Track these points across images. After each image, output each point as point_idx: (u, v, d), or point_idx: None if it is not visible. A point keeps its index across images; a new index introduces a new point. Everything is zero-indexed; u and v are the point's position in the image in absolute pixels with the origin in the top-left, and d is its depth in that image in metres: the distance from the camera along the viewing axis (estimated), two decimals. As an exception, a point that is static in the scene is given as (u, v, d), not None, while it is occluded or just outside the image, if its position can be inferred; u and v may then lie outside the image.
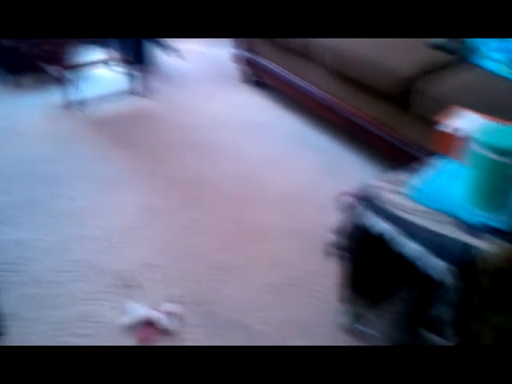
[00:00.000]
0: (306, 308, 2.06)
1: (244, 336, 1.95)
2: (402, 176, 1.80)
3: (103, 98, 3.64)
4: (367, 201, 1.69)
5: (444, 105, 2.27)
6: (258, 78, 3.79)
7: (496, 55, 2.47)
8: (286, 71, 3.33)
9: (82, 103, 3.55)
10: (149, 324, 1.97)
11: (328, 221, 2.39)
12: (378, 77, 2.62)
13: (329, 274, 2.10)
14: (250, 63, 3.68)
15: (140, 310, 2.01)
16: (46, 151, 3.08)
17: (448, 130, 1.81)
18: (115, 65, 3.94)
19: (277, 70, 3.40)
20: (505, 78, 2.42)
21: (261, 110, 3.52)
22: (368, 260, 1.77)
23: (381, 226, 1.61)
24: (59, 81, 3.49)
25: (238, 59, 3.77)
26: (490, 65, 2.49)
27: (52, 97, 3.62)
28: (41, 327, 1.98)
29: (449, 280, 1.43)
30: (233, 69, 3.88)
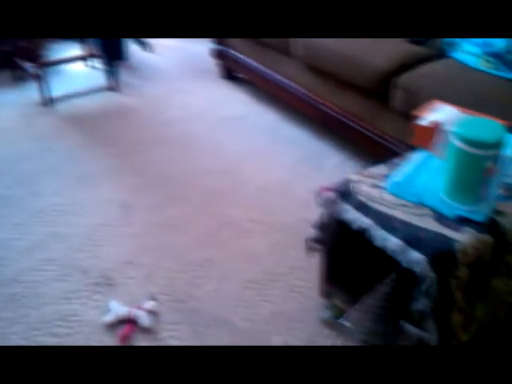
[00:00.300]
0: (289, 303, 2.07)
1: (227, 332, 1.95)
2: (381, 170, 1.81)
3: (80, 95, 3.60)
4: (347, 195, 1.70)
5: (422, 98, 2.29)
6: (237, 73, 3.78)
7: (472, 49, 2.49)
8: (264, 66, 3.33)
9: (59, 100, 3.51)
10: (130, 322, 1.96)
11: (309, 216, 2.40)
12: (355, 71, 2.63)
13: (310, 269, 2.11)
14: (227, 58, 3.67)
15: (121, 309, 2.00)
16: (23, 149, 3.04)
17: (426, 123, 1.83)
18: (92, 61, 3.91)
19: (255, 65, 3.40)
20: (481, 72, 2.44)
21: (240, 105, 3.52)
22: (348, 254, 1.78)
23: (360, 220, 1.62)
24: (36, 78, 3.45)
25: (216, 54, 3.76)
26: (467, 58, 2.51)
27: (29, 94, 3.58)
28: (21, 327, 1.96)
29: (428, 273, 1.45)
30: (211, 64, 3.87)
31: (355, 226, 1.63)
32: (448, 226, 1.54)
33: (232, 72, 3.80)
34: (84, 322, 1.99)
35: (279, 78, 3.22)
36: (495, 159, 1.53)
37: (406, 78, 2.46)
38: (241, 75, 3.74)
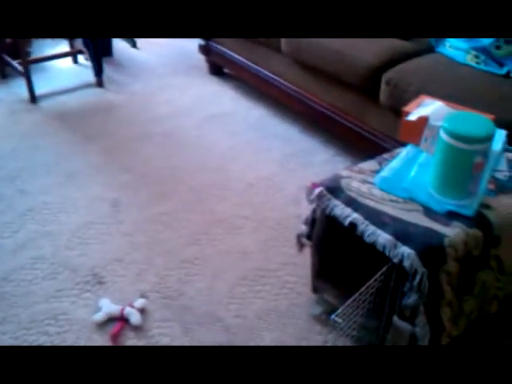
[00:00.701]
0: (281, 299, 2.07)
1: (218, 329, 1.95)
2: (370, 166, 1.82)
3: (67, 91, 3.58)
4: (336, 191, 1.70)
5: (410, 94, 2.30)
6: (225, 69, 3.77)
7: (460, 44, 2.51)
8: (252, 62, 3.32)
9: (45, 97, 3.49)
10: (121, 320, 1.96)
11: (298, 211, 2.41)
12: (343, 67, 2.63)
13: (302, 265, 2.12)
14: (216, 54, 3.66)
15: (112, 307, 2.00)
16: (10, 146, 3.02)
17: (414, 118, 1.83)
18: (79, 57, 3.88)
19: (243, 61, 3.39)
20: (469, 66, 2.45)
21: (228, 101, 3.51)
22: (338, 250, 1.79)
23: (350, 215, 1.62)
24: (23, 74, 3.42)
25: (204, 50, 3.75)
26: (454, 53, 2.53)
27: (15, 91, 3.55)
28: (11, 326, 1.95)
29: (418, 267, 1.46)
30: (199, 60, 3.85)
31: (345, 221, 1.63)
32: (437, 221, 1.55)
33: (220, 68, 3.79)
34: (74, 320, 1.98)
35: (268, 73, 3.22)
36: (484, 154, 1.54)
37: (393, 73, 2.46)
38: (229, 71, 3.73)
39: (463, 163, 1.56)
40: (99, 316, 1.97)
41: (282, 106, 3.33)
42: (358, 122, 2.72)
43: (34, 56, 3.75)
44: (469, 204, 1.59)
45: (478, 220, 1.57)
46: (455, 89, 2.25)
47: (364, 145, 2.72)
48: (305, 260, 2.01)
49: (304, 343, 1.89)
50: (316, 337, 1.91)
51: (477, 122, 1.58)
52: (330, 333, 1.71)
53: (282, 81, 3.13)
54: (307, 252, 1.96)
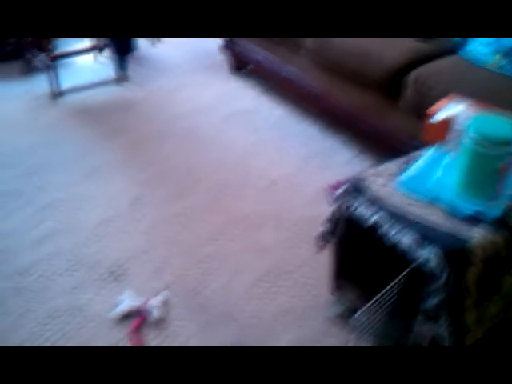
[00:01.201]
0: (297, 300, 2.05)
1: (234, 329, 1.93)
2: (392, 167, 1.78)
3: (89, 87, 3.59)
4: (358, 191, 1.68)
5: (432, 95, 2.26)
6: (246, 67, 3.76)
7: (483, 46, 2.46)
8: (273, 60, 3.30)
9: (67, 92, 3.50)
10: (139, 316, 1.95)
11: (319, 211, 2.38)
12: (366, 66, 2.59)
13: (319, 266, 2.09)
14: (237, 52, 3.64)
15: (129, 303, 1.99)
16: (29, 142, 3.03)
17: (438, 120, 1.80)
18: (101, 53, 3.89)
19: (264, 60, 3.37)
20: (492, 69, 2.41)
21: (248, 100, 3.49)
22: (359, 251, 1.76)
23: (371, 217, 1.60)
24: (45, 70, 3.44)
25: (225, 48, 3.73)
26: (477, 56, 2.48)
27: (38, 86, 3.56)
28: (27, 321, 1.95)
29: (441, 270, 1.43)
30: (220, 58, 3.84)
31: (369, 220, 1.61)
32: (462, 223, 1.52)
33: (241, 66, 3.77)
34: (91, 316, 1.97)
35: (289, 72, 3.19)
36: (510, 157, 1.51)
37: (416, 74, 2.43)
38: (250, 69, 3.71)
39: (489, 166, 1.53)
40: (117, 312, 1.96)
41: (303, 105, 3.29)
42: (380, 122, 2.68)
43: (57, 51, 3.76)
44: (495, 205, 1.55)
45: (505, 221, 1.53)
46: (478, 91, 2.20)
47: (386, 145, 2.68)
48: (322, 261, 1.98)
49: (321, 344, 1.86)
50: (332, 339, 1.88)
51: (503, 124, 1.55)
52: (350, 334, 1.68)
53: (303, 79, 3.10)
54: (323, 254, 1.93)
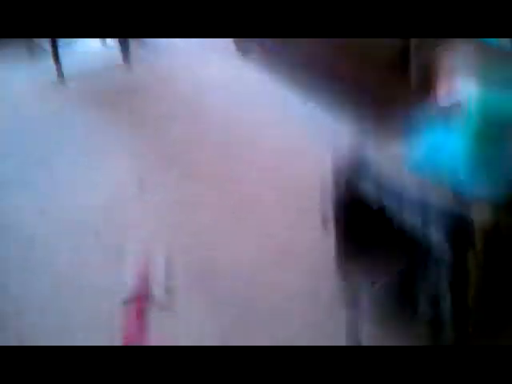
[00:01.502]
0: (305, 283, 2.04)
1: (242, 312, 1.93)
2: (398, 147, 1.77)
3: (95, 71, 3.58)
4: (364, 172, 1.67)
5: (442, 73, 2.23)
6: (252, 47, 3.72)
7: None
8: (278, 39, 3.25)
9: (74, 76, 3.50)
10: (146, 298, 1.96)
11: (325, 194, 2.36)
12: (375, 42, 2.56)
13: (327, 249, 2.08)
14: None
15: (138, 284, 2.00)
16: (38, 125, 3.03)
17: (445, 99, 1.78)
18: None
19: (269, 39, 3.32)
20: (502, 50, 2.37)
21: (254, 80, 3.45)
22: (365, 233, 1.76)
23: (377, 198, 1.60)
24: (52, 53, 3.43)
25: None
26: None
27: (44, 70, 3.56)
28: (34, 294, 2.00)
29: (447, 249, 1.42)
30: (227, 40, 3.80)
31: (373, 203, 1.60)
32: (467, 204, 1.50)
33: (248, 46, 3.74)
34: (100, 294, 2.00)
35: (293, 49, 3.15)
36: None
37: (425, 52, 2.40)
38: (257, 49, 3.68)
39: (495, 146, 1.52)
40: (124, 293, 1.97)
41: (309, 84, 3.25)
42: (389, 101, 2.65)
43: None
44: (500, 187, 1.54)
45: (510, 203, 1.52)
46: (487, 70, 2.16)
47: (393, 125, 2.65)
48: (330, 243, 1.97)
49: (328, 329, 1.86)
50: (339, 322, 1.87)
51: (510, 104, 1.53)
52: (356, 318, 1.68)
53: (308, 56, 3.06)
54: (330, 236, 1.92)
